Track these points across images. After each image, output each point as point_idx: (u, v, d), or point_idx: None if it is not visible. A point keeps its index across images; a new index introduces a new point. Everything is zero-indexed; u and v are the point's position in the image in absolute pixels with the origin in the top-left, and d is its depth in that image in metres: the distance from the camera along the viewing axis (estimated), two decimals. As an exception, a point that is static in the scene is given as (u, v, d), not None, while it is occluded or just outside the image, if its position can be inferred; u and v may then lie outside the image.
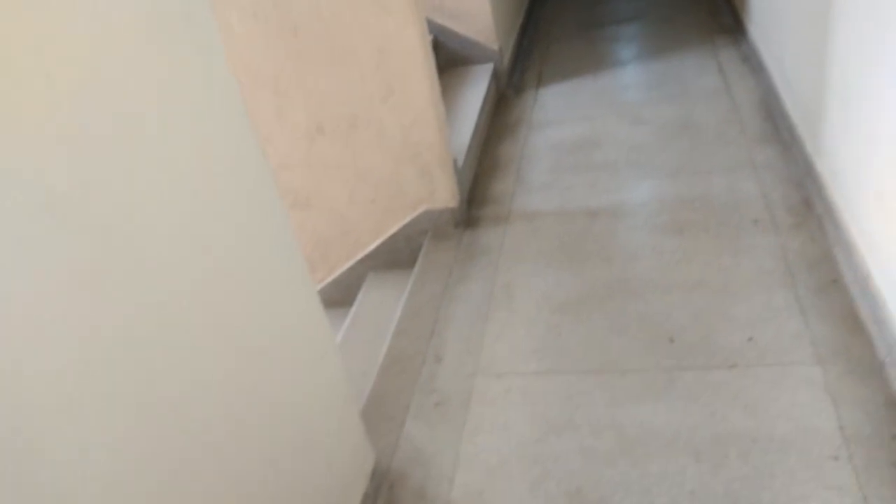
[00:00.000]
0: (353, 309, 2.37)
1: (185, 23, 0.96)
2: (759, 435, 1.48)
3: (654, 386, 1.65)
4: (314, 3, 2.04)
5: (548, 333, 1.87)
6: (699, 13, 3.74)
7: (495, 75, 3.19)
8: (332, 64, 2.12)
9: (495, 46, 3.18)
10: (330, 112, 2.20)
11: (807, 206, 2.12)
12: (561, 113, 3.03)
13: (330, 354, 1.37)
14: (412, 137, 2.25)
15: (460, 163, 2.48)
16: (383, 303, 2.36)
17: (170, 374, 0.88)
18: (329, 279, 2.53)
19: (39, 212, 0.70)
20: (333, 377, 1.38)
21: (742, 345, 1.71)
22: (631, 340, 1.79)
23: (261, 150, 1.13)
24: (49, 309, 0.70)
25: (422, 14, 2.12)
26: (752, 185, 2.28)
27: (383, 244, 2.45)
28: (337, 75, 2.14)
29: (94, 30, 0.79)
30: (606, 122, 2.87)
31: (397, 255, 2.47)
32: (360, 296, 2.42)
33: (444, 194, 2.36)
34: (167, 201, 0.90)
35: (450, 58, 3.23)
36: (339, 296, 2.53)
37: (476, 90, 3.01)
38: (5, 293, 0.65)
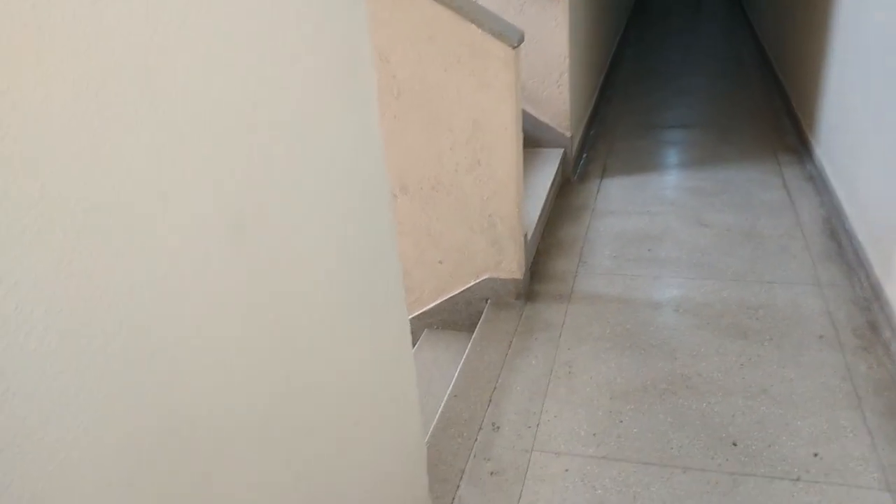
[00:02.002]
0: (406, 366, 2.39)
1: (354, 79, 1.04)
2: (825, 554, 1.45)
3: (716, 488, 1.64)
4: (419, 72, 2.15)
5: (608, 419, 1.88)
6: (763, 127, 3.84)
7: (564, 161, 3.29)
8: (427, 129, 2.22)
9: (568, 133, 3.29)
10: (416, 173, 2.29)
11: (873, 329, 2.13)
12: (624, 205, 3.10)
13: (411, 404, 1.39)
14: (489, 208, 2.32)
15: (528, 238, 2.54)
16: (436, 361, 2.38)
17: (285, 400, 0.92)
18: (383, 333, 2.56)
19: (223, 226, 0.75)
20: (411, 429, 1.39)
21: (807, 459, 1.70)
22: (693, 438, 1.79)
23: (391, 208, 1.19)
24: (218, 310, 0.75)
25: (518, 94, 2.22)
26: (817, 301, 2.30)
27: (443, 304, 2.50)
28: (429, 140, 2.23)
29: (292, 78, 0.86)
30: (669, 220, 2.93)
31: (455, 317, 2.50)
32: (414, 351, 2.43)
33: (511, 265, 2.41)
34: (315, 237, 0.96)
35: (524, 138, 3.33)
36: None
37: (545, 172, 3.10)
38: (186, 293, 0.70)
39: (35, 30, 0.50)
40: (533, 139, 3.34)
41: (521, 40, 2.10)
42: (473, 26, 2.06)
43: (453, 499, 1.67)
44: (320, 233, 0.96)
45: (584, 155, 3.66)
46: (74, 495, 0.57)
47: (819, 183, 3.06)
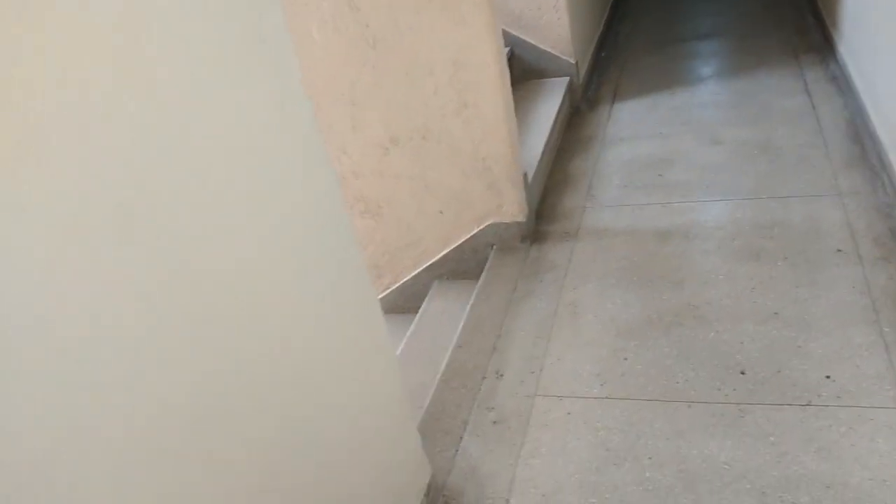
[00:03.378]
0: (417, 317, 2.38)
1: (261, 45, 0.98)
2: (833, 481, 1.41)
3: (722, 420, 1.60)
4: (392, 17, 2.06)
5: (612, 357, 1.84)
6: (785, 30, 3.60)
7: (570, 89, 3.16)
8: (408, 76, 2.14)
9: (572, 60, 3.14)
10: (404, 124, 2.23)
11: (895, 236, 2.01)
12: (635, 130, 2.97)
13: (389, 366, 1.38)
14: (482, 151, 2.25)
15: (530, 177, 2.46)
16: (446, 312, 2.37)
17: (229, 377, 0.91)
18: (395, 286, 2.56)
19: (113, 225, 0.73)
20: (391, 389, 1.39)
21: (818, 383, 1.63)
22: (699, 370, 1.74)
23: (333, 170, 1.15)
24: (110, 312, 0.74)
25: (498, 27, 2.11)
26: (836, 212, 2.18)
27: (449, 254, 2.46)
28: (412, 87, 2.16)
29: (169, 54, 0.82)
30: (682, 140, 2.80)
31: (463, 266, 2.47)
32: (424, 304, 2.43)
33: (512, 208, 2.35)
34: (235, 213, 0.93)
35: (525, 70, 3.22)
36: (404, 303, 2.55)
37: (550, 104, 2.98)
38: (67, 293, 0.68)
39: None
40: (536, 70, 3.21)
41: (492, -29, 1.98)
42: (440, -39, 1.96)
43: (456, 451, 1.68)
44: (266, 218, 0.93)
45: (594, 79, 3.51)
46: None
47: (842, 84, 2.86)
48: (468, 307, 2.17)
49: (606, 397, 1.73)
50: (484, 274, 2.30)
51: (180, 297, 0.82)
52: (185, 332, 0.83)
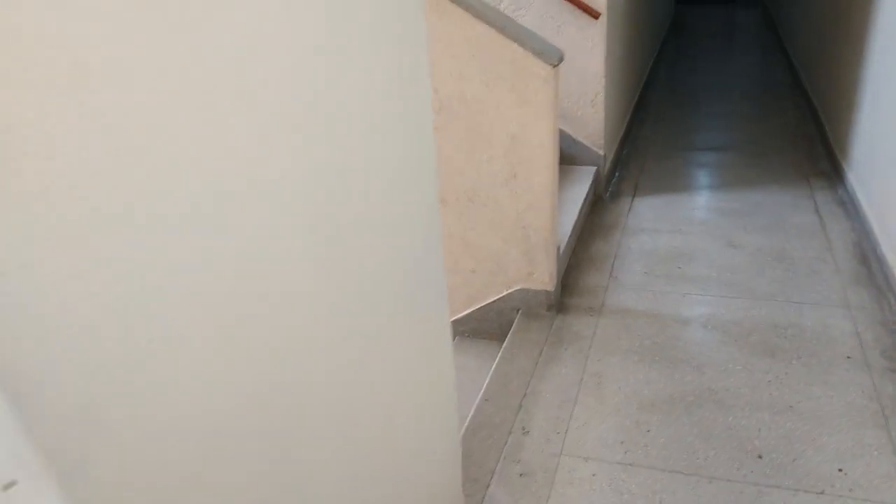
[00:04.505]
0: (437, 371, 2.46)
1: (414, 88, 1.12)
2: (848, 565, 1.49)
3: (741, 497, 1.68)
4: (460, 88, 2.24)
5: (636, 428, 1.92)
6: (795, 152, 3.87)
7: (596, 178, 3.35)
8: (466, 143, 2.30)
9: (601, 152, 3.35)
10: (454, 185, 2.37)
11: (902, 352, 2.15)
12: (655, 224, 3.15)
13: (449, 388, 1.46)
14: (524, 220, 2.40)
15: (560, 251, 2.60)
16: (467, 368, 2.45)
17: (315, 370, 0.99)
18: (416, 339, 2.63)
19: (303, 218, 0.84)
20: (449, 415, 1.46)
21: (832, 475, 1.73)
22: (719, 450, 1.83)
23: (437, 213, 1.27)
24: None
25: (556, 110, 2.29)
26: (846, 322, 2.33)
27: (475, 313, 2.56)
28: (468, 153, 2.32)
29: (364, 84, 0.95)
30: (699, 239, 2.98)
31: (486, 326, 2.57)
32: (445, 360, 2.50)
33: (543, 277, 2.47)
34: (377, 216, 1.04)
35: (559, 155, 3.41)
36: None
37: (578, 189, 3.16)
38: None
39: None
40: (567, 156, 3.40)
41: (561, 59, 2.18)
42: (515, 45, 2.15)
43: (483, 497, 1.73)
44: (381, 231, 1.04)
45: (617, 174, 3.72)
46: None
47: (850, 208, 3.08)
48: (495, 364, 2.25)
49: (630, 464, 1.80)
50: (511, 335, 2.40)
51: (349, 299, 0.92)
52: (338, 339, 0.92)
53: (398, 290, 1.14)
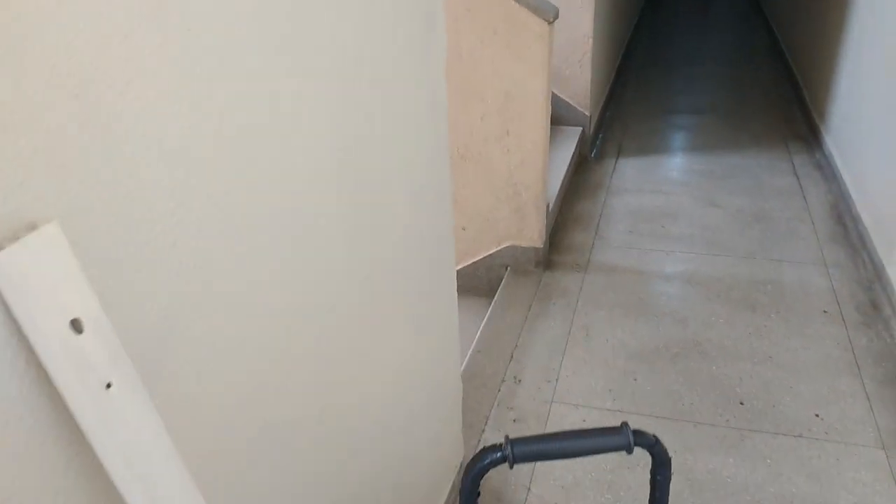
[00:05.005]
0: (427, 325, 2.51)
1: (429, 48, 1.14)
2: (823, 501, 1.58)
3: (724, 441, 1.77)
4: (455, 42, 2.24)
5: (623, 377, 2.00)
6: (774, 115, 3.94)
7: (582, 139, 3.39)
8: (461, 99, 2.32)
9: (586, 112, 3.39)
10: (448, 141, 2.39)
11: (874, 307, 2.25)
12: (638, 184, 3.21)
13: (453, 340, 1.51)
14: (515, 177, 2.43)
15: (549, 209, 2.64)
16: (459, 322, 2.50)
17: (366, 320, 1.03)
18: (406, 294, 2.67)
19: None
20: (452, 365, 1.51)
21: (809, 419, 1.83)
22: (703, 397, 1.91)
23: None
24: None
25: (549, 67, 2.31)
26: (822, 279, 2.42)
27: (465, 269, 2.61)
28: (462, 110, 2.33)
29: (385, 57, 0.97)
30: (681, 199, 3.04)
31: (475, 282, 2.62)
32: (435, 314, 2.55)
33: (532, 234, 2.52)
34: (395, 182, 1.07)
35: (543, 114, 3.43)
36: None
37: (564, 149, 3.20)
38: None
39: None
40: (554, 116, 3.42)
41: (557, 16, 2.19)
42: (511, 0, 2.15)
43: (479, 441, 1.80)
44: (400, 174, 1.07)
45: (601, 135, 3.76)
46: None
47: (827, 171, 3.17)
48: (486, 318, 2.31)
49: (619, 410, 1.88)
50: (500, 290, 2.45)
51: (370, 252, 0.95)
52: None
53: (411, 233, 1.18)
